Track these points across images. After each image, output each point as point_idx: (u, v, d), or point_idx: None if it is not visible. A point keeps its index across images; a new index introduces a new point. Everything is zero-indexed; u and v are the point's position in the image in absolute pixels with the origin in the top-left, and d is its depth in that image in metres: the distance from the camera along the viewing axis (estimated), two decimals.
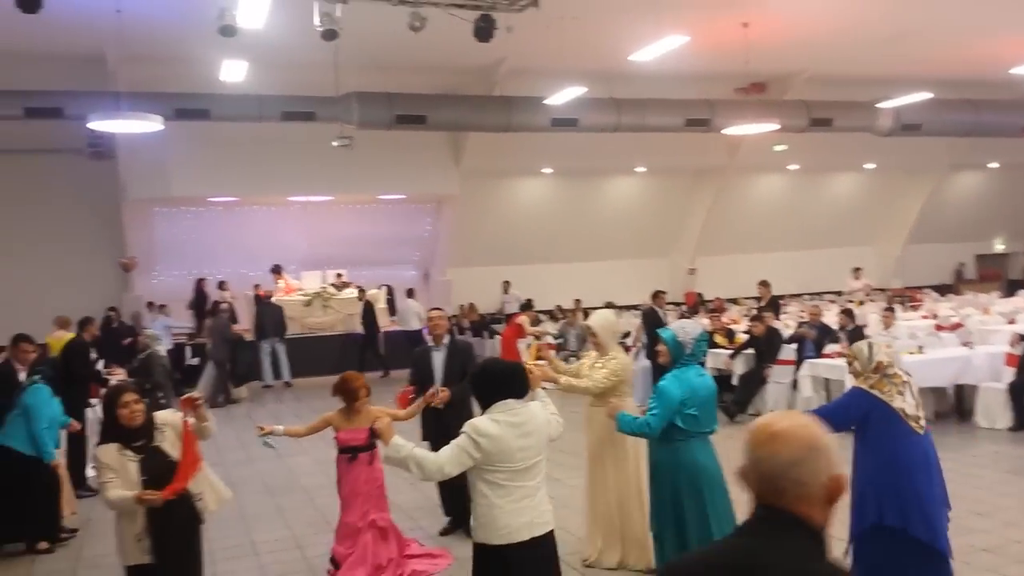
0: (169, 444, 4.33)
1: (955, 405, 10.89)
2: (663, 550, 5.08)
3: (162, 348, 12.58)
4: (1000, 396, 9.95)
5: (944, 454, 8.14)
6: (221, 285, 17.79)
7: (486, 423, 3.89)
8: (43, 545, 7.07)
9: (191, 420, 4.43)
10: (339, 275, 19.22)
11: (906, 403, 4.80)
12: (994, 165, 23.28)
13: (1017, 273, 25.54)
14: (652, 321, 12.24)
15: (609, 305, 16.83)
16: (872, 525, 4.71)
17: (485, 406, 4.00)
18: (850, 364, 5.07)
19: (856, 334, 11.18)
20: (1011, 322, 13.84)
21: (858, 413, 4.86)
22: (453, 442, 3.90)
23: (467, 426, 3.91)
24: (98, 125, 12.31)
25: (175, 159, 16.48)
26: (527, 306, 16.14)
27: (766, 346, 11.64)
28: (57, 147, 16.88)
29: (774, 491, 1.85)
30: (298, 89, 14.73)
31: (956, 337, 12.07)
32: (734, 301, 19.83)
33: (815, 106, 17.40)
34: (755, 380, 11.55)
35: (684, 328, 5.04)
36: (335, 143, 14.63)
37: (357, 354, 16.87)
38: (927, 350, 10.86)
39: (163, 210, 18.46)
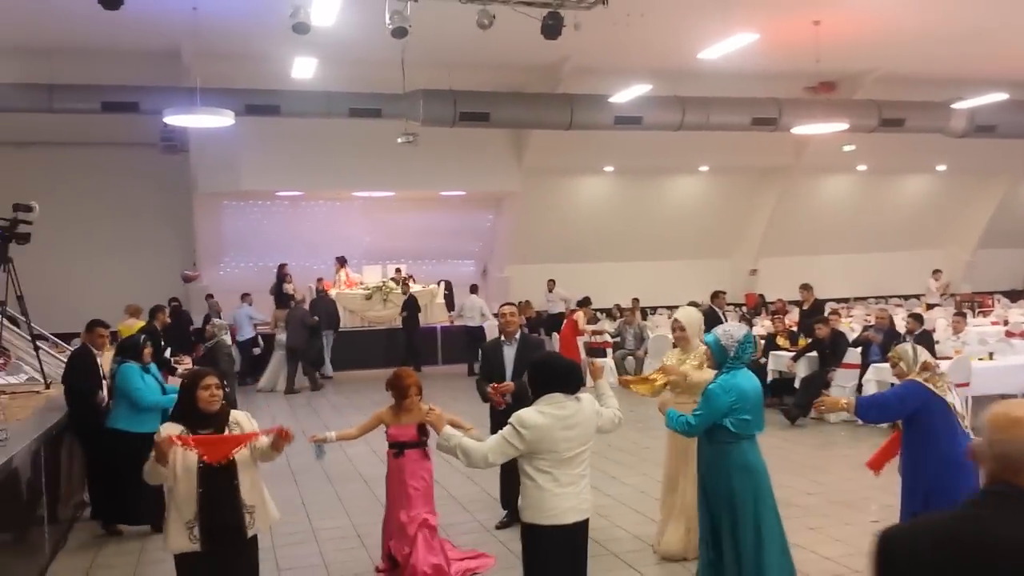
0: None
1: None
2: (707, 552, 5.11)
3: (228, 338, 12.86)
4: None
5: None
6: (282, 271, 18.09)
7: (532, 414, 4.07)
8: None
9: (265, 440, 4.29)
10: (398, 270, 19.43)
11: (956, 400, 5.20)
12: None
13: None
14: (711, 322, 12.08)
15: (676, 307, 16.73)
16: (917, 513, 4.91)
17: (535, 397, 4.17)
18: (895, 366, 5.38)
19: (924, 338, 10.94)
20: None
21: (915, 404, 5.16)
22: (499, 432, 4.14)
23: (513, 417, 4.09)
24: (173, 119, 12.65)
25: (245, 154, 16.85)
26: (584, 303, 16.10)
27: (831, 349, 11.46)
28: (132, 141, 17.44)
29: (1011, 470, 1.98)
30: (366, 86, 14.95)
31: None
32: (797, 304, 19.51)
33: (886, 106, 17.05)
34: (817, 383, 11.37)
35: (728, 331, 5.01)
36: (400, 140, 14.81)
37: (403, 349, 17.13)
38: (997, 356, 10.60)
39: (231, 203, 18.88)
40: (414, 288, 18.63)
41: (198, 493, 4.08)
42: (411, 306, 17.56)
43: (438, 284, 19.45)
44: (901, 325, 12.50)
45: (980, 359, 10.28)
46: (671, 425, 5.12)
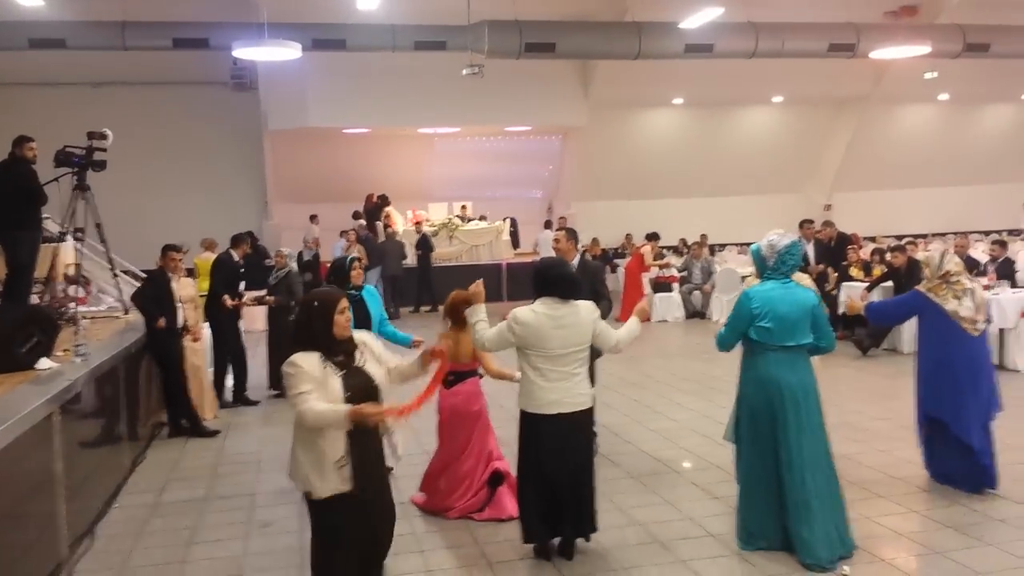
0: (371, 365, 3.90)
1: None
2: (739, 459, 5.11)
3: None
4: None
5: None
6: (312, 219, 18.32)
7: (525, 312, 4.69)
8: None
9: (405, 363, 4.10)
10: (463, 207, 19.43)
11: (961, 307, 5.57)
12: None
13: None
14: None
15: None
16: (925, 414, 5.74)
17: (534, 299, 4.76)
18: (922, 271, 6.00)
19: (1006, 266, 10.55)
20: None
21: (911, 310, 5.88)
22: (498, 324, 4.78)
23: (510, 313, 4.72)
24: (241, 53, 12.73)
25: (312, 91, 16.98)
26: (652, 237, 15.90)
27: (906, 278, 11.08)
28: (204, 79, 17.68)
29: None
30: (430, 18, 14.83)
31: None
32: (871, 239, 18.98)
33: (971, 30, 16.22)
34: None
35: (771, 242, 4.94)
36: (465, 72, 14.67)
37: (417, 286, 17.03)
38: None
39: (301, 141, 19.06)
40: (478, 225, 18.64)
41: (347, 431, 3.69)
42: (425, 245, 17.43)
43: (504, 221, 19.40)
44: (982, 258, 12.09)
45: None
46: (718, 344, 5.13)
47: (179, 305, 7.91)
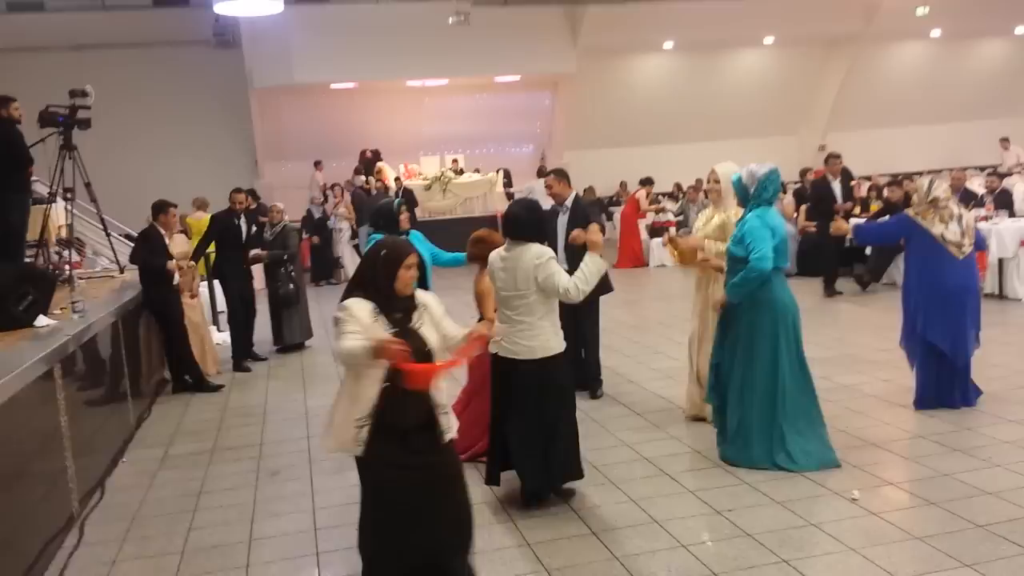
0: (427, 329, 3.57)
1: None
2: (717, 381, 5.22)
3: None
4: None
5: None
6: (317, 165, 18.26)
7: (492, 254, 4.74)
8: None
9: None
10: (455, 160, 19.24)
11: (947, 231, 5.69)
12: None
13: None
14: (822, 191, 11.12)
15: None
16: (921, 339, 5.83)
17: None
18: (910, 197, 6.39)
19: (1003, 197, 10.52)
20: None
21: (898, 233, 6.06)
22: None
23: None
24: (221, 8, 12.51)
25: (297, 46, 16.72)
26: (646, 182, 15.80)
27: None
28: (186, 39, 17.39)
29: None
30: None
31: None
32: (867, 178, 18.90)
33: None
34: (890, 249, 11.04)
35: (751, 170, 5.04)
36: (451, 19, 14.49)
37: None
38: None
39: (288, 98, 18.84)
40: (472, 177, 18.49)
41: (382, 392, 3.41)
42: (409, 199, 17.22)
43: (497, 172, 19.25)
44: (979, 191, 12.02)
45: None
46: (739, 291, 4.97)
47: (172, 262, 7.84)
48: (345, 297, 3.52)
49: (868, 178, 18.78)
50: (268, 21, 14.12)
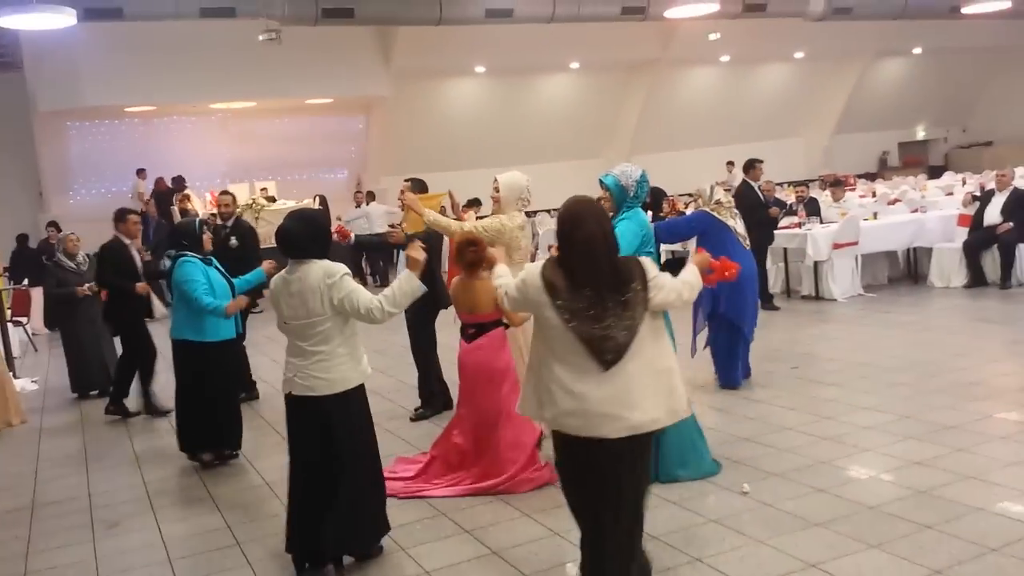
0: None
1: (907, 269, 11.11)
2: None
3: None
4: (955, 255, 10.13)
5: (907, 311, 8.64)
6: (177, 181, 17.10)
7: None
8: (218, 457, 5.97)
9: None
10: (263, 189, 18.34)
11: (738, 225, 6.50)
12: (918, 51, 23.55)
13: (938, 159, 26.18)
14: (749, 199, 9.62)
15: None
16: (711, 312, 6.51)
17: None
18: (695, 201, 7.26)
19: (812, 204, 11.23)
20: (949, 194, 14.11)
21: (700, 227, 6.56)
22: None
23: None
24: (7, 22, 11.25)
25: (87, 66, 15.45)
26: (473, 203, 15.77)
27: None
28: None
29: None
30: None
31: (905, 205, 12.23)
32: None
33: None
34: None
35: (625, 171, 5.05)
36: (261, 37, 13.81)
37: None
38: (881, 216, 10.97)
39: (77, 123, 17.37)
40: (286, 204, 17.74)
41: None
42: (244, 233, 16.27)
43: (313, 199, 18.57)
44: (787, 201, 12.80)
45: (865, 219, 10.61)
46: None
47: None
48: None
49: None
50: (54, 39, 12.91)
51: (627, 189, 4.97)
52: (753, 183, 9.92)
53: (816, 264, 10.11)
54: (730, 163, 20.56)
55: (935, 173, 22.67)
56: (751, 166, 10.04)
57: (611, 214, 5.19)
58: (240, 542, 4.54)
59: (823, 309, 9.86)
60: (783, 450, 5.22)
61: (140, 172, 17.34)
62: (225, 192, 9.12)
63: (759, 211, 9.71)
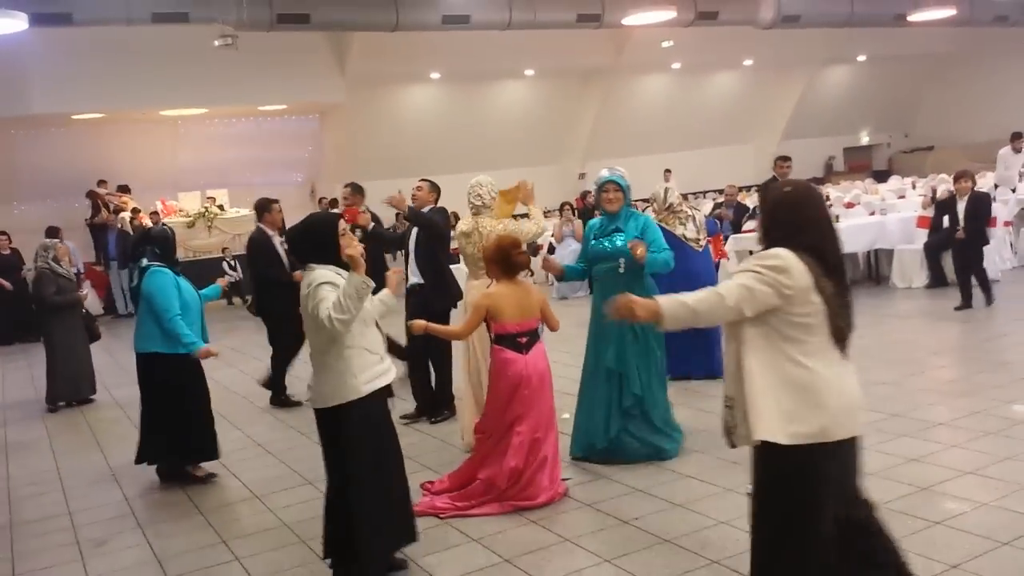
0: None
1: (867, 271, 11.34)
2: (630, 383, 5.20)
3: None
4: (915, 256, 10.36)
5: (869, 312, 8.87)
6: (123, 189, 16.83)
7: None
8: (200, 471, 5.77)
9: None
10: (211, 199, 17.94)
11: (687, 230, 6.93)
12: (862, 58, 24.13)
13: (882, 164, 26.83)
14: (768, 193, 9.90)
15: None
16: None
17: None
18: (651, 204, 7.35)
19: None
20: (901, 197, 14.44)
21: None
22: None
23: None
24: None
25: (34, 72, 15.03)
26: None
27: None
28: None
29: None
30: None
31: (863, 208, 12.48)
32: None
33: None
34: None
35: (624, 173, 5.36)
36: (217, 43, 13.55)
37: None
38: (842, 219, 11.17)
39: (23, 132, 16.86)
40: (240, 212, 17.45)
41: None
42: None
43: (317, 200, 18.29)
44: (750, 206, 13.04)
45: None
46: (656, 267, 5.17)
47: None
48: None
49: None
50: None
51: (631, 188, 5.30)
52: (780, 179, 9.59)
53: None
54: (668, 171, 20.74)
55: (880, 177, 23.19)
56: (779, 163, 9.94)
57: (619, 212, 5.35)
58: (239, 557, 4.41)
59: None
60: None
61: (101, 183, 16.90)
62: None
63: None
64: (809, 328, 2.79)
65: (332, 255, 3.86)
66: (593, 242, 5.31)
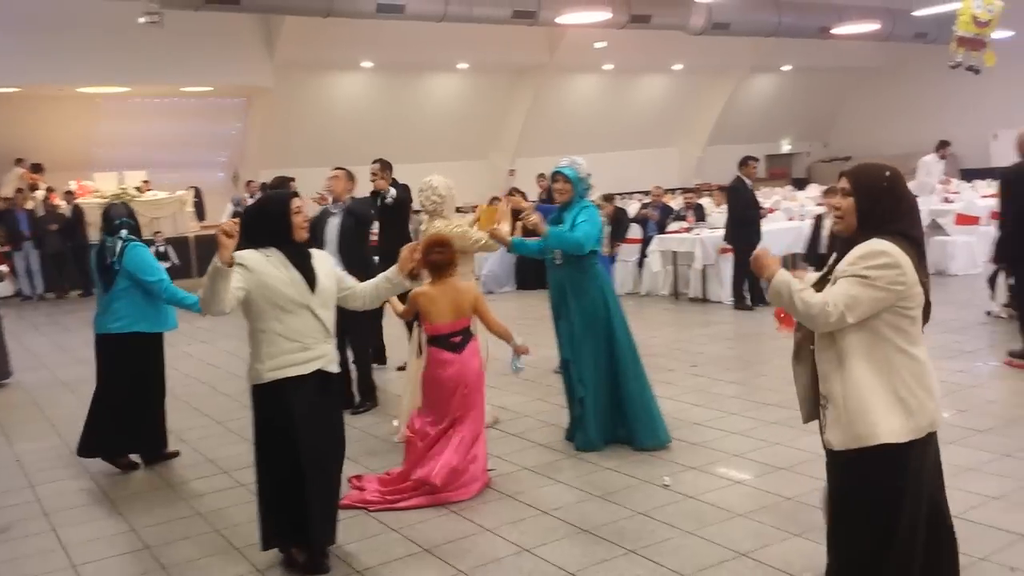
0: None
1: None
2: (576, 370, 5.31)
3: None
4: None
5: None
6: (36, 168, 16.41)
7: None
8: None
9: None
10: (145, 182, 17.53)
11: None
12: (787, 68, 24.73)
13: (801, 172, 27.56)
14: (741, 193, 9.86)
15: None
16: None
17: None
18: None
19: (700, 211, 11.61)
20: (820, 203, 14.82)
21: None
22: None
23: None
24: None
25: None
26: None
27: (614, 226, 11.78)
28: None
29: None
30: None
31: (783, 213, 12.80)
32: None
33: (636, 2, 17.58)
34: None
35: (576, 163, 5.26)
36: (142, 20, 13.13)
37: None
38: (764, 223, 11.41)
39: None
40: (158, 195, 17.02)
41: None
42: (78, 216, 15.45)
43: (187, 190, 17.88)
44: (675, 208, 13.22)
45: None
46: (555, 240, 5.11)
47: None
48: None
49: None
50: None
51: (584, 179, 5.25)
52: (747, 179, 9.82)
53: (704, 268, 10.44)
54: (512, 171, 21.02)
55: (799, 185, 23.81)
56: (744, 163, 9.87)
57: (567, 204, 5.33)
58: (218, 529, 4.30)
59: (709, 312, 10.20)
60: (695, 444, 5.36)
61: (19, 161, 16.39)
62: None
63: (750, 209, 9.78)
64: (914, 319, 2.76)
65: (284, 236, 3.76)
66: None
